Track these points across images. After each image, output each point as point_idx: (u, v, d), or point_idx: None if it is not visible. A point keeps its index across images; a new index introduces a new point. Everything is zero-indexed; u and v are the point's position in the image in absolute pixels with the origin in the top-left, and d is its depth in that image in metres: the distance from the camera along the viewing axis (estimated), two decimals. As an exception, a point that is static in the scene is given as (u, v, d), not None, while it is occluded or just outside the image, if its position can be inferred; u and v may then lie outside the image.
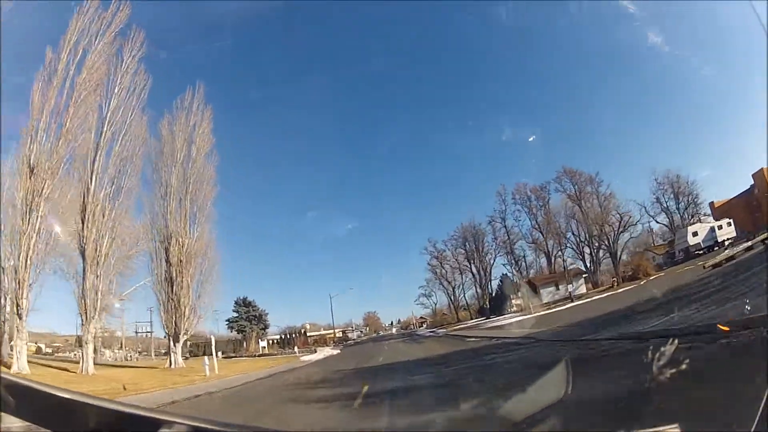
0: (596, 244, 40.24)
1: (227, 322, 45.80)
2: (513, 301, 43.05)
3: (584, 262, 41.51)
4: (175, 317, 28.82)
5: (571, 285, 37.52)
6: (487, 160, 52.85)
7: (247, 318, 46.31)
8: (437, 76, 52.97)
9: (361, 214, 66.71)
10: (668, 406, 4.08)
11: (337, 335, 55.48)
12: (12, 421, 1.58)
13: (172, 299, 29.05)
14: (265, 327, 47.60)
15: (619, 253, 37.99)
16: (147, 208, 30.14)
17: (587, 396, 5.21)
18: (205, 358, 22.78)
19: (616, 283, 34.38)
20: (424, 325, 57.58)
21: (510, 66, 46.63)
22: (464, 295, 51.24)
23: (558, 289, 37.71)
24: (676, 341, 5.35)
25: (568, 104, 48.61)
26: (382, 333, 59.68)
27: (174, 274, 29.09)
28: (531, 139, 40.95)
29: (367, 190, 60.51)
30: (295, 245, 64.11)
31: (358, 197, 61.50)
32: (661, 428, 2.62)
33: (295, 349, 40.67)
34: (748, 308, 9.42)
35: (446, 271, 51.32)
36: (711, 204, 38.34)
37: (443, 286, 52.32)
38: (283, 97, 54.61)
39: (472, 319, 47.68)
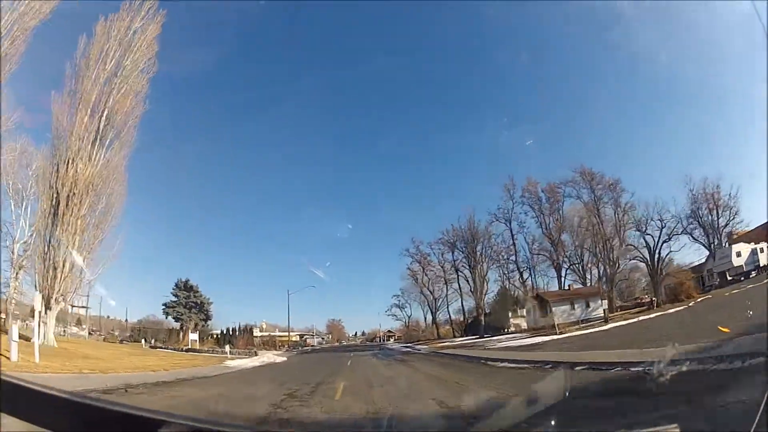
0: (613, 259, 33.39)
1: (163, 307, 39.35)
2: (513, 320, 36.10)
3: (582, 280, 34.98)
4: (51, 273, 20.07)
5: (588, 304, 30.12)
6: (482, 161, 47.21)
7: (186, 305, 39.56)
8: (436, 76, 48.19)
9: (344, 217, 56.99)
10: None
11: (294, 339, 48.88)
12: (12, 421, 1.54)
13: (52, 247, 20.36)
14: (207, 318, 40.52)
15: (659, 268, 30.74)
16: (54, 122, 22.40)
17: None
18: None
19: (654, 304, 27.23)
20: (392, 339, 51.54)
21: (511, 66, 42.45)
22: (447, 309, 43.69)
23: (573, 308, 30.18)
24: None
25: (569, 105, 44.63)
26: (345, 343, 53.40)
27: (60, 212, 20.45)
28: (528, 143, 38.35)
29: (350, 191, 52.95)
30: (261, 240, 55.19)
31: (344, 198, 53.37)
32: (661, 428, 2.60)
33: (227, 348, 33.07)
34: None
35: (429, 279, 43.73)
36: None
37: (424, 295, 44.60)
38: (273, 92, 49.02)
39: (454, 336, 40.64)
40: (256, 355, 31.85)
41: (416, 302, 46.51)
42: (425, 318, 46.79)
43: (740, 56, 24.70)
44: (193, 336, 36.89)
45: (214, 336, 41.00)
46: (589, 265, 35.32)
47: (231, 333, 42.67)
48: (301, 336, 51.25)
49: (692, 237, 32.00)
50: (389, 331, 52.97)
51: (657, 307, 27.26)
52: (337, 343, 52.32)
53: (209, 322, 40.99)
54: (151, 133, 41.55)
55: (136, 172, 44.22)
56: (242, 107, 50.37)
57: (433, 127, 49.50)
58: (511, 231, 38.10)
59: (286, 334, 46.55)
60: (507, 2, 36.60)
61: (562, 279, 35.76)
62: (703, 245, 32.31)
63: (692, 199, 31.65)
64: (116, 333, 39.05)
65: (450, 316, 43.42)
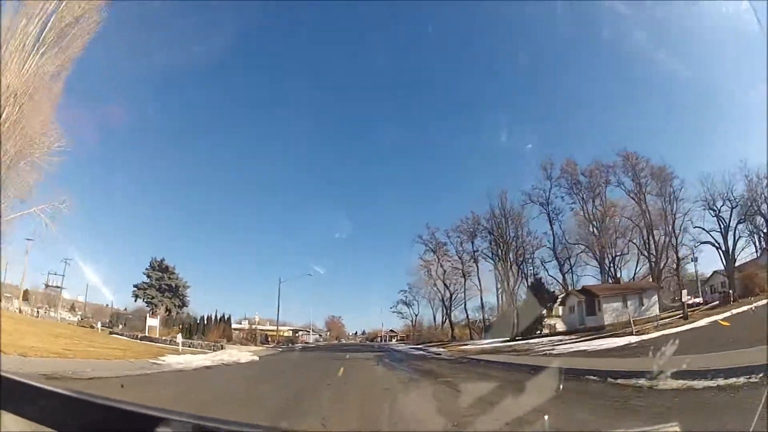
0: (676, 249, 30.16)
1: (134, 289, 35.06)
2: (548, 319, 31.75)
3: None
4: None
5: (642, 301, 27.41)
6: (488, 160, 43.54)
7: (159, 287, 35.13)
8: (435, 76, 46.61)
9: (347, 211, 54.09)
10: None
11: (286, 335, 44.52)
12: (12, 419, 1.55)
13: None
14: (182, 304, 35.91)
15: (733, 257, 27.65)
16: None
17: None
18: None
19: (731, 298, 24.17)
20: (394, 339, 47.80)
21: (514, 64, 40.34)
22: (464, 306, 38.68)
23: (626, 305, 27.41)
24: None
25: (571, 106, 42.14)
26: (345, 341, 49.95)
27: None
28: (528, 146, 35.56)
29: (352, 184, 51.36)
30: (260, 232, 53.27)
31: (346, 190, 50.80)
32: (661, 427, 2.55)
33: (179, 339, 26.16)
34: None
35: (444, 272, 38.89)
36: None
37: (437, 289, 39.60)
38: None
39: (471, 338, 36.04)
40: (221, 349, 26.42)
41: (425, 299, 42.31)
42: (434, 317, 42.34)
43: (740, 56, 23.75)
44: (152, 322, 31.48)
45: (184, 325, 34.65)
46: (640, 257, 31.47)
47: (206, 322, 36.97)
48: (295, 332, 46.97)
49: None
50: (392, 330, 48.93)
51: (734, 301, 23.59)
52: (336, 341, 49.03)
53: (185, 309, 36.29)
54: (154, 132, 42.64)
55: (138, 173, 44.95)
56: (239, 102, 49.19)
57: (440, 121, 46.88)
58: (549, 215, 33.25)
59: (278, 328, 41.93)
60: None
61: (612, 271, 31.44)
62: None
63: (748, 186, 27.68)
64: (92, 318, 35.26)
65: (467, 315, 38.47)
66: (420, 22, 41.39)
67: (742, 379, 7.83)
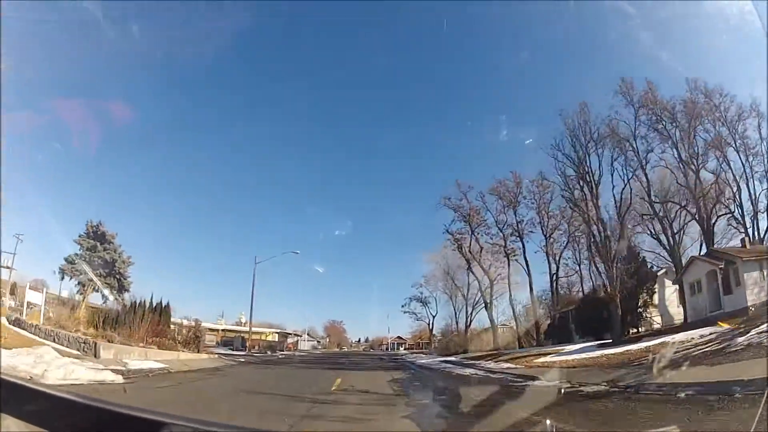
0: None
1: (64, 263, 24.75)
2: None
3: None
4: None
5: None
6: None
7: (91, 262, 25.06)
8: (434, 76, 46.24)
9: (347, 207, 52.04)
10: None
11: (270, 338, 37.19)
12: (12, 422, 1.55)
13: None
14: (121, 287, 25.78)
15: None
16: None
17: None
18: None
19: None
20: (402, 347, 41.51)
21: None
22: (510, 301, 29.01)
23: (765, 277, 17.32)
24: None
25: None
26: (347, 349, 45.53)
27: None
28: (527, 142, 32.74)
29: (352, 182, 50.11)
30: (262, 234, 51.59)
31: (347, 191, 49.66)
32: (661, 429, 2.74)
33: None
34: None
35: (481, 248, 29.17)
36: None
37: (474, 275, 30.14)
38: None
39: (520, 345, 26.75)
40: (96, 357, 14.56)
41: (445, 294, 33.73)
42: (456, 317, 32.54)
43: (739, 56, 22.82)
44: (34, 297, 19.84)
45: (100, 314, 21.80)
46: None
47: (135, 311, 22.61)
48: (280, 333, 38.58)
49: None
50: (399, 337, 42.27)
51: None
52: (337, 349, 44.50)
53: (125, 292, 25.65)
54: (154, 132, 42.70)
55: (138, 173, 44.04)
56: (239, 101, 49.41)
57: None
58: (638, 153, 23.15)
59: (250, 328, 33.52)
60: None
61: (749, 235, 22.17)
62: None
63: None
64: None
65: (514, 312, 28.89)
66: (420, 22, 41.05)
67: None
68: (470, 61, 42.39)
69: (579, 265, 29.26)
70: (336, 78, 46.92)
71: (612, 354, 16.29)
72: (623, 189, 23.64)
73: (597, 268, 24.31)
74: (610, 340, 20.09)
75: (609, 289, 21.97)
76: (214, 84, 45.85)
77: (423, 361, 27.52)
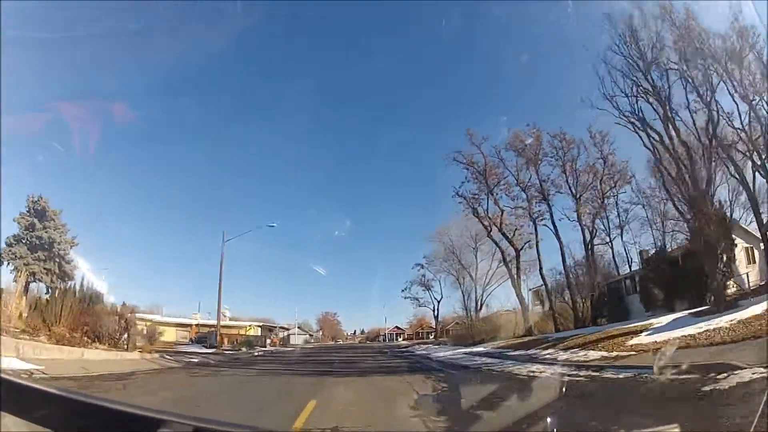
0: None
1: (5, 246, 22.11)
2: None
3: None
4: None
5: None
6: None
7: (30, 244, 22.13)
8: (434, 77, 45.26)
9: (343, 202, 50.10)
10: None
11: (252, 333, 33.12)
12: (12, 421, 1.54)
13: None
14: (62, 274, 22.39)
15: None
16: None
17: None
18: None
19: None
20: (401, 338, 39.27)
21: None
22: (540, 271, 24.62)
23: None
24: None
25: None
26: (342, 342, 43.26)
27: None
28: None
29: (352, 179, 48.35)
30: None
31: (345, 185, 48.24)
32: (661, 428, 2.59)
33: None
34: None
35: (502, 212, 24.98)
36: None
37: (496, 244, 25.58)
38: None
39: (557, 329, 22.31)
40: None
41: (452, 275, 29.66)
42: (465, 301, 28.12)
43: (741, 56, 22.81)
44: None
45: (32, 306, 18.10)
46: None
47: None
48: (270, 329, 34.50)
49: None
50: (397, 327, 39.96)
51: None
52: (331, 342, 42.45)
53: (69, 280, 21.68)
54: (155, 131, 42.11)
55: (139, 173, 44.41)
56: (238, 101, 48.19)
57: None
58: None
59: (218, 319, 27.94)
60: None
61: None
62: None
63: None
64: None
65: (545, 284, 24.63)
66: (420, 22, 39.71)
67: None
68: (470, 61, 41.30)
69: (621, 229, 25.37)
70: (336, 78, 45.82)
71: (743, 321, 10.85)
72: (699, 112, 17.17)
73: (662, 221, 20.42)
74: (701, 309, 14.51)
75: (694, 243, 16.70)
76: (214, 84, 45.77)
77: (440, 355, 21.49)
